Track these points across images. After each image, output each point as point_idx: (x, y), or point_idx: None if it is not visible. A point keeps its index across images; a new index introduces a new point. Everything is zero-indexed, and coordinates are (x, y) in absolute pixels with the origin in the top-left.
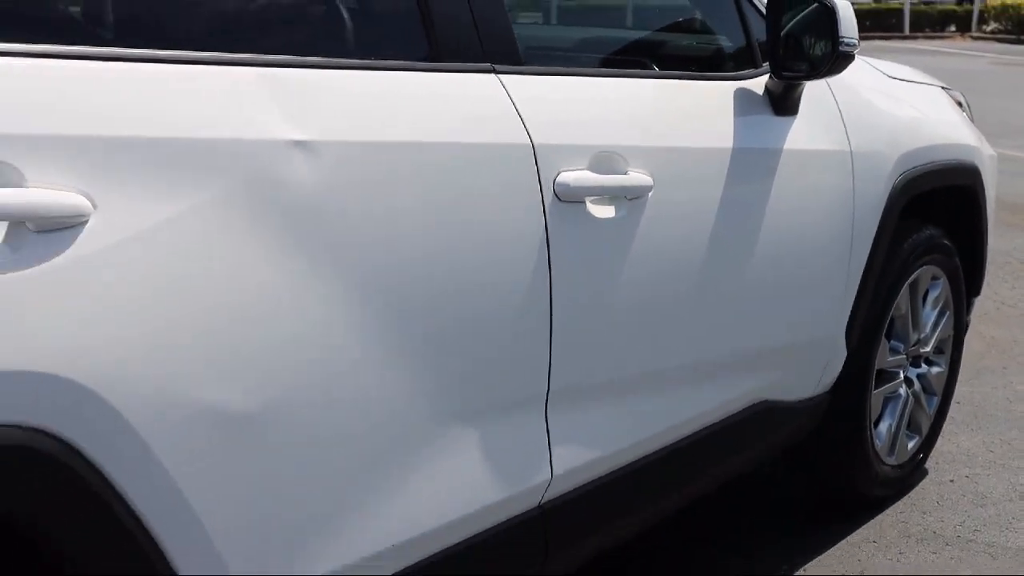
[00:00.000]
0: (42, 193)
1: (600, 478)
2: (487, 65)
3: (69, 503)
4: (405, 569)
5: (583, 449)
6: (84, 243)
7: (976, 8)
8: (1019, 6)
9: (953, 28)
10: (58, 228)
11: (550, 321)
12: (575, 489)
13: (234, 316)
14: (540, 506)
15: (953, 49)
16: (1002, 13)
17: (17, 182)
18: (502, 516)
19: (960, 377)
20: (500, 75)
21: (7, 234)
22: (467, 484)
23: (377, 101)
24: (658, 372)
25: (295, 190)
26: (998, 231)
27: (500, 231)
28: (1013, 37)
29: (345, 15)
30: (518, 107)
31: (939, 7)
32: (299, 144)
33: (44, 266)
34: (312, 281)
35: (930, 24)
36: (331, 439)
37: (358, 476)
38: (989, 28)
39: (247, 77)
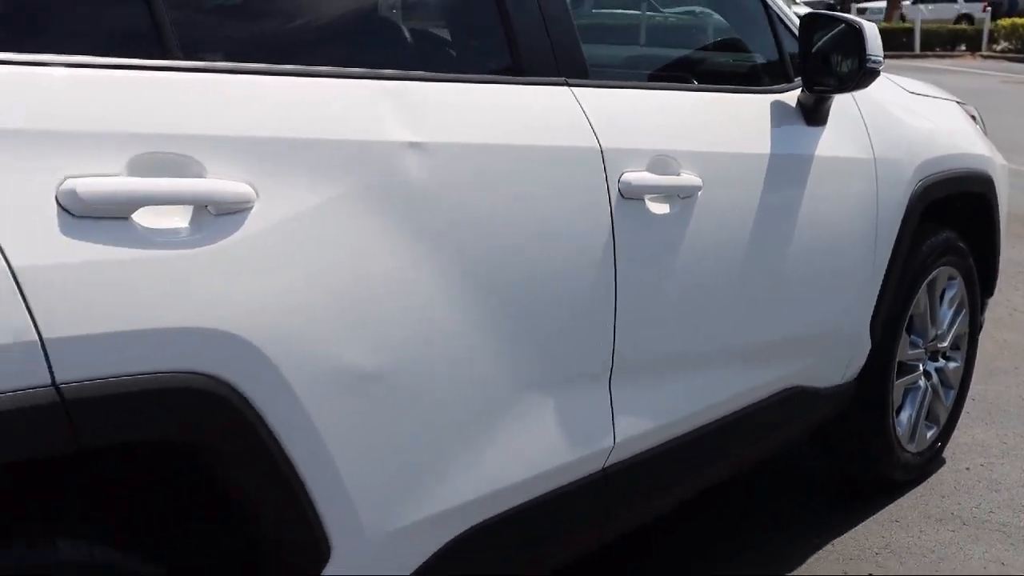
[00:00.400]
0: (219, 183)
1: (655, 447)
2: (561, 79)
3: (228, 428)
4: (488, 519)
5: (642, 420)
6: (250, 225)
7: (986, 28)
8: None
9: (963, 47)
10: (230, 212)
11: (615, 304)
12: (634, 456)
13: (362, 288)
14: (604, 469)
15: (963, 68)
16: (1012, 33)
17: (199, 173)
18: (572, 476)
19: (975, 376)
20: (572, 88)
21: (193, 216)
22: (544, 445)
23: (474, 109)
24: (704, 354)
25: (411, 183)
26: (1009, 242)
27: (574, 224)
28: (1023, 56)
29: (447, 39)
30: (588, 115)
31: (949, 27)
32: (414, 145)
33: (220, 243)
34: (424, 261)
35: (940, 43)
36: (435, 397)
37: (457, 431)
38: (999, 47)
39: (372, 89)
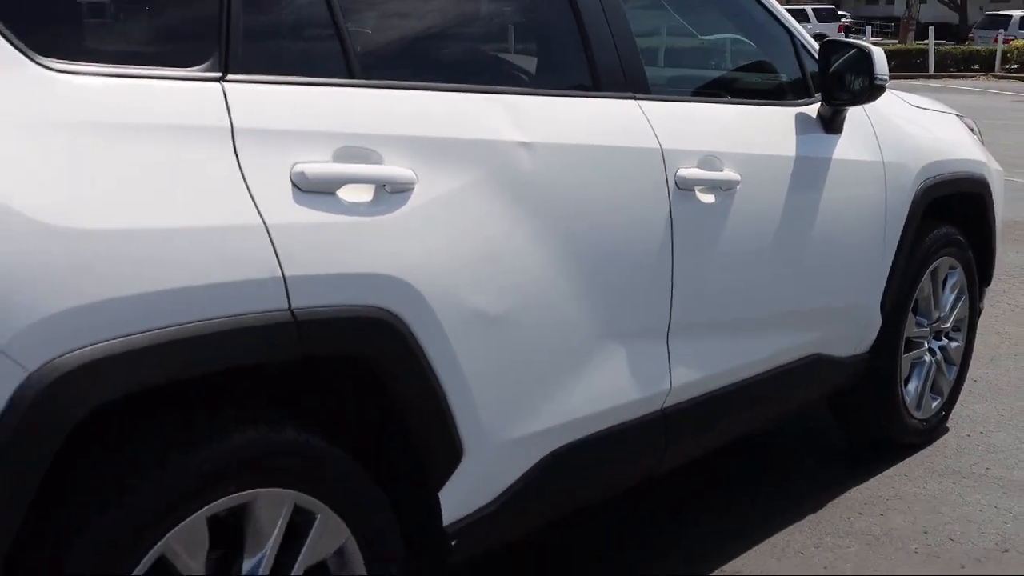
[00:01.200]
0: (393, 169)
1: (702, 395)
2: (629, 94)
3: (393, 348)
4: (573, 441)
5: (692, 371)
6: (413, 201)
7: (999, 48)
8: None
9: (977, 67)
10: (400, 191)
11: (671, 273)
12: (686, 400)
13: (488, 250)
14: (662, 410)
15: (977, 87)
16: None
17: (378, 161)
18: (638, 413)
19: (977, 362)
20: (638, 100)
21: (375, 193)
22: (617, 385)
23: (566, 116)
24: (742, 319)
25: (522, 172)
26: (1016, 248)
27: (640, 208)
28: None
29: (545, 63)
30: (651, 122)
31: (962, 48)
32: (524, 144)
33: (393, 213)
34: (531, 233)
35: (955, 64)
36: (539, 340)
37: (553, 367)
38: (1012, 67)
39: (494, 101)
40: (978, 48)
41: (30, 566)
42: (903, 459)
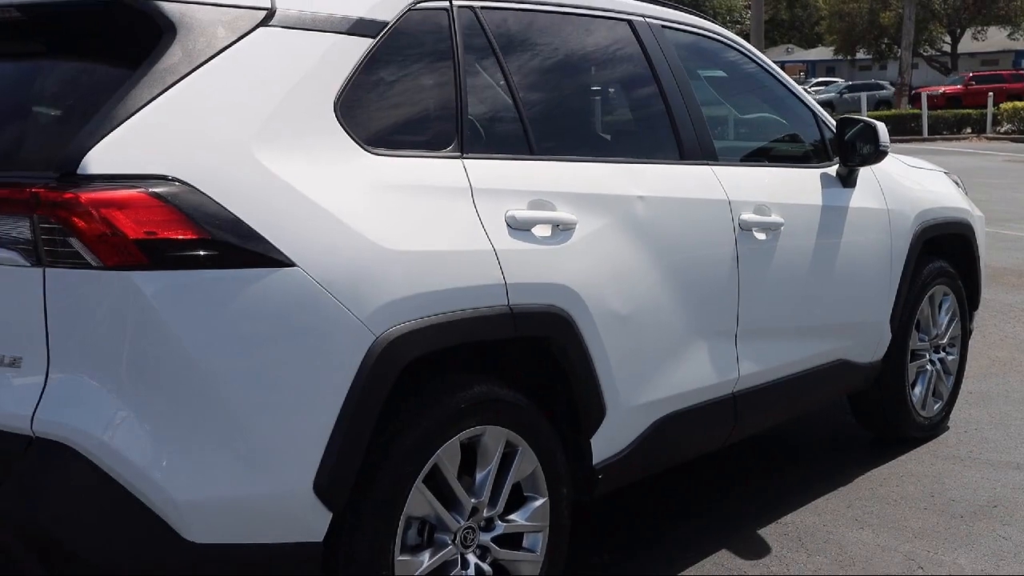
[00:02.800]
0: (562, 213)
1: (759, 384)
2: (704, 161)
3: (565, 334)
4: (672, 412)
5: (753, 365)
6: (575, 235)
7: (989, 111)
8: None
9: (969, 130)
10: (567, 229)
11: (738, 290)
12: (749, 388)
13: (620, 270)
14: (733, 394)
15: (970, 149)
16: (1014, 115)
17: (553, 209)
18: (716, 395)
19: (972, 378)
20: (711, 166)
21: (552, 230)
22: (702, 371)
23: (666, 176)
24: (788, 328)
25: (640, 217)
26: (1007, 290)
27: (715, 243)
28: None
29: (649, 139)
30: (720, 181)
31: (955, 111)
32: (640, 197)
33: (563, 244)
34: (647, 260)
35: (947, 127)
36: (653, 335)
37: (661, 355)
38: (1003, 129)
39: (620, 168)
40: (969, 111)
41: (366, 461)
42: (912, 449)
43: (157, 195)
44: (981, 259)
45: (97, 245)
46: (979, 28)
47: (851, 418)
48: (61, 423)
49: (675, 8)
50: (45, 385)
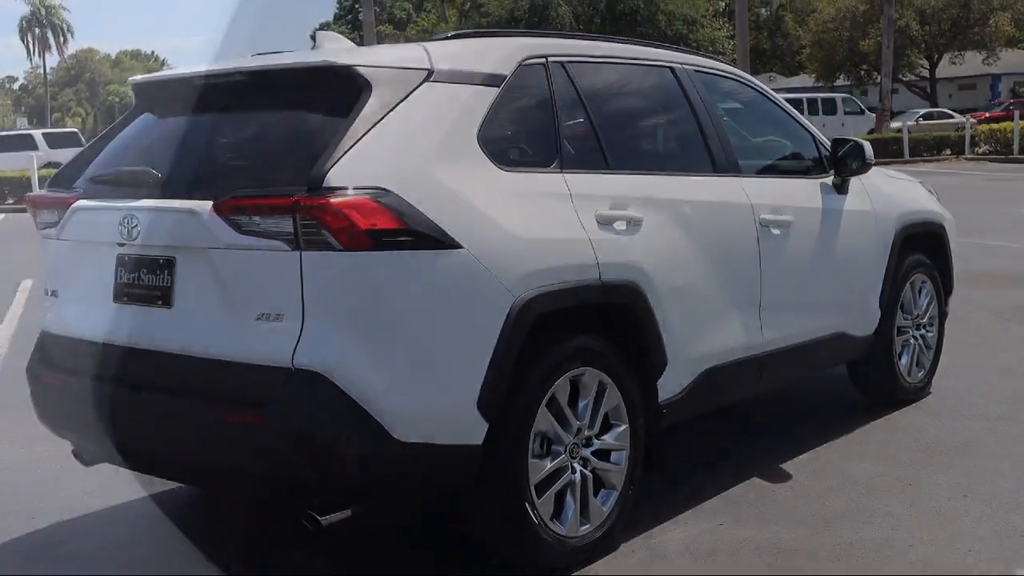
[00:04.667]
0: (634, 212)
1: (780, 348)
2: (731, 173)
3: (639, 301)
4: (714, 366)
5: (774, 332)
6: (643, 228)
7: (967, 132)
8: (1004, 130)
9: (948, 151)
10: (637, 224)
11: (760, 272)
12: (771, 350)
13: (677, 253)
14: (759, 355)
15: (951, 170)
16: (990, 136)
17: (626, 208)
18: (747, 354)
19: (949, 356)
20: (736, 177)
21: (627, 224)
22: (737, 334)
23: (704, 185)
24: (799, 303)
25: (686, 215)
26: (981, 289)
27: (742, 237)
28: (1002, 157)
29: (686, 156)
30: (744, 190)
31: (934, 134)
32: (687, 200)
33: (635, 235)
34: (694, 248)
35: (927, 149)
36: (700, 304)
37: (707, 319)
38: (981, 150)
39: (669, 178)
40: (948, 133)
41: (510, 387)
42: (900, 408)
43: (376, 199)
44: (952, 253)
45: (339, 234)
46: (956, 53)
47: (852, 388)
48: (313, 359)
49: (703, 56)
50: (301, 333)
